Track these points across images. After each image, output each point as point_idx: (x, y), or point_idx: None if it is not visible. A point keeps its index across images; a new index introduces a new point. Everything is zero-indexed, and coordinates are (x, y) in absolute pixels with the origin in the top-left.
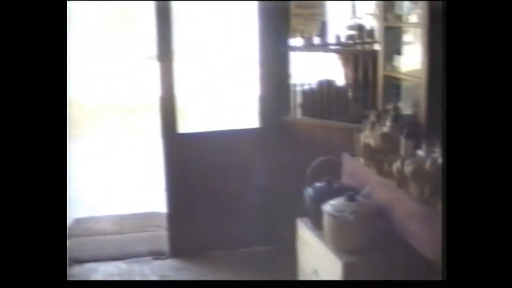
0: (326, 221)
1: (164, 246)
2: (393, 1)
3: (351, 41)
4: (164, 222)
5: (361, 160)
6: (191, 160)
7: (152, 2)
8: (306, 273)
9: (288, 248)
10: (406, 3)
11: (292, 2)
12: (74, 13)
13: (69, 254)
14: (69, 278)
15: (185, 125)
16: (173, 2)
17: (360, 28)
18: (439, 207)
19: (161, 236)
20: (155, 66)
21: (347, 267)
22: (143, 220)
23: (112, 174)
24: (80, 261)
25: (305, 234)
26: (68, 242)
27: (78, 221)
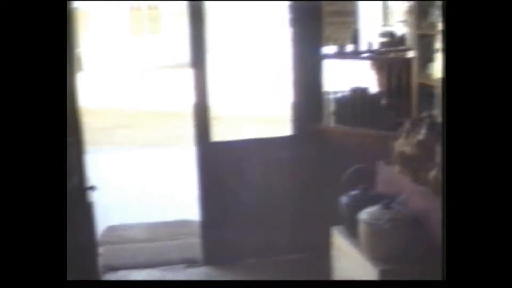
0: (361, 229)
1: (197, 254)
2: (426, 9)
3: (383, 49)
4: (196, 230)
5: (396, 168)
6: (224, 168)
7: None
8: None
9: (322, 256)
10: (438, 11)
11: (325, 11)
12: (102, 16)
13: (102, 261)
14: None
15: (219, 133)
16: (206, 8)
17: (392, 35)
18: None
19: (194, 244)
20: (187, 73)
21: (382, 275)
22: (176, 228)
23: (144, 182)
24: (114, 269)
25: (340, 242)
26: (101, 249)
27: (111, 228)
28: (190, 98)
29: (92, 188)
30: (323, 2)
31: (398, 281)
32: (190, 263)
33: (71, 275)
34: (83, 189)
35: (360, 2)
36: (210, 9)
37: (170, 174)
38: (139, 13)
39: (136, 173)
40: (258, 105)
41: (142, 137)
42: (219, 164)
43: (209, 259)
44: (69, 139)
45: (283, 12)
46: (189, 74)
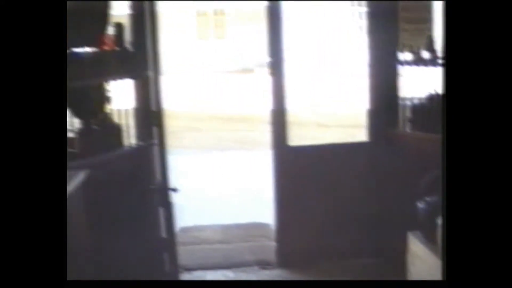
0: (440, 234)
1: (271, 256)
2: None
3: None
4: (270, 233)
5: None
6: (300, 173)
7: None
8: None
9: (397, 261)
10: None
11: (401, 17)
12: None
13: (177, 262)
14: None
15: (295, 137)
16: (284, 11)
17: None
18: None
19: (267, 246)
20: (253, 77)
21: None
22: (249, 230)
23: (217, 184)
24: (189, 269)
25: (416, 247)
26: (176, 250)
27: (185, 229)
28: (264, 102)
29: (174, 189)
30: (400, 8)
31: (398, 281)
32: (264, 265)
33: (148, 275)
34: (165, 190)
35: (436, 9)
36: (287, 13)
37: (239, 177)
38: (205, 18)
39: (207, 175)
40: (334, 110)
41: (211, 140)
42: (295, 168)
43: (283, 261)
44: (152, 141)
45: (360, 19)
46: (267, 77)
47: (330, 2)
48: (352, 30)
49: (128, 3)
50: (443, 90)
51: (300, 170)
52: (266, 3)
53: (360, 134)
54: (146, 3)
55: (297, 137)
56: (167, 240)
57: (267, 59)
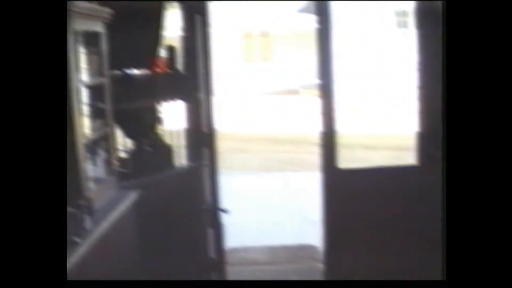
0: None
1: (318, 278)
2: None
3: None
4: (317, 255)
5: None
6: (348, 195)
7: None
8: None
9: None
10: None
11: None
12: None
13: None
14: None
15: (342, 159)
16: (333, 33)
17: None
18: None
19: (314, 268)
20: (298, 99)
21: None
22: (296, 251)
23: (265, 205)
24: None
25: None
26: (224, 270)
27: (232, 250)
28: (312, 123)
29: (223, 210)
30: None
31: (398, 281)
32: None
33: None
34: (215, 211)
35: None
36: (336, 34)
37: (287, 199)
38: (251, 40)
39: (255, 196)
40: (382, 132)
41: (260, 162)
42: (344, 190)
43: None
44: (202, 162)
45: (410, 40)
46: (312, 98)
47: (380, 24)
48: (402, 52)
49: (180, 26)
50: (443, 90)
51: (348, 193)
52: (315, 25)
53: (408, 156)
54: (198, 26)
55: (345, 159)
56: (216, 260)
57: (312, 80)
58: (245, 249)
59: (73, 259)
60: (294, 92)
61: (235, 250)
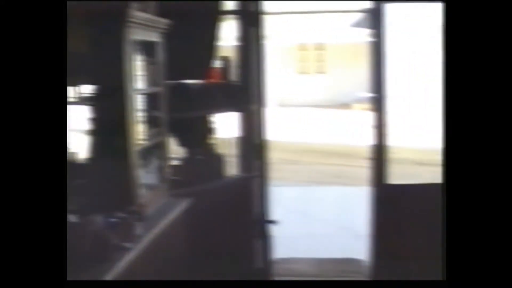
0: None
1: None
2: None
3: None
4: (363, 269)
5: None
6: (397, 210)
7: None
8: None
9: None
10: None
11: None
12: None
13: None
14: None
15: (392, 174)
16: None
17: None
18: None
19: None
20: (351, 112)
21: None
22: (343, 265)
23: (313, 218)
24: None
25: None
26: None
27: (280, 261)
28: (362, 137)
29: (272, 221)
30: None
31: (398, 281)
32: None
33: None
34: (264, 222)
35: None
36: (389, 49)
37: (336, 212)
38: (306, 53)
39: (304, 208)
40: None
41: (309, 174)
42: (393, 205)
43: None
44: (253, 173)
45: None
46: (364, 112)
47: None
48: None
49: (235, 37)
50: (443, 90)
51: (397, 208)
52: (368, 39)
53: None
54: (253, 37)
55: (395, 174)
56: (263, 271)
57: (364, 94)
58: (293, 261)
59: (122, 264)
60: (346, 105)
61: (283, 261)
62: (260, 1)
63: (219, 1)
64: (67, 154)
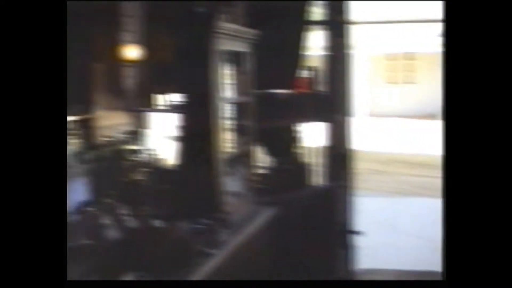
0: None
1: None
2: None
3: None
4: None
5: None
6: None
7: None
8: None
9: None
10: None
11: None
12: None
13: None
14: None
15: None
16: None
17: None
18: None
19: None
20: (439, 124)
21: None
22: (422, 277)
23: (395, 229)
24: None
25: None
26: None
27: (360, 271)
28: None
29: (356, 232)
30: None
31: (398, 281)
32: None
33: None
34: (347, 232)
35: None
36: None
37: (418, 224)
38: (395, 62)
39: (387, 219)
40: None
41: (394, 184)
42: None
43: None
44: (339, 182)
45: None
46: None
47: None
48: None
49: (323, 47)
50: (443, 90)
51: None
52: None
53: None
54: (340, 47)
55: None
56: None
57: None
58: (373, 271)
59: (206, 269)
60: (433, 115)
61: (363, 272)
62: (348, 11)
63: (307, 12)
64: (67, 154)
